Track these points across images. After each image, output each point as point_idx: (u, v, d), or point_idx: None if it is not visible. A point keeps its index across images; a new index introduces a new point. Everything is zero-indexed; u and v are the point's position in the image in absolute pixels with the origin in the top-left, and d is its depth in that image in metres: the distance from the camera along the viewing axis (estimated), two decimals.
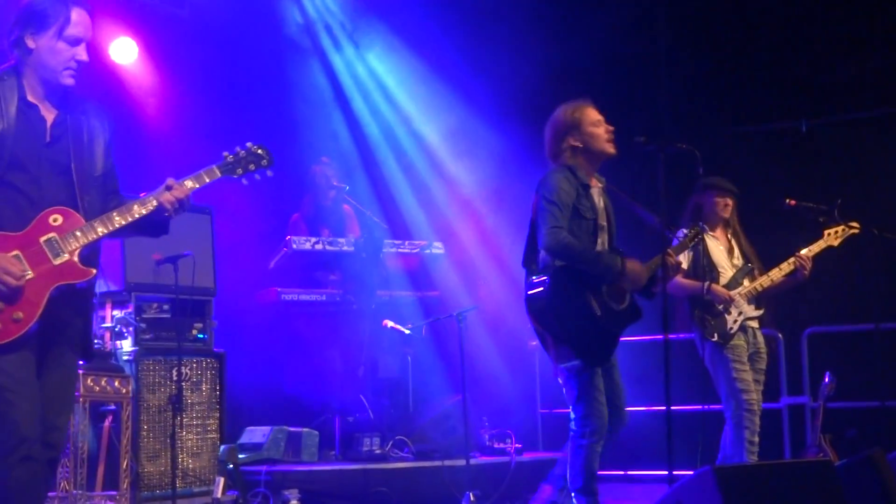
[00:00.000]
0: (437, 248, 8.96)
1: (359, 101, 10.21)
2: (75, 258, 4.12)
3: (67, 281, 4.10)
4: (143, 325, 6.62)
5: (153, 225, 4.40)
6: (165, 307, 6.80)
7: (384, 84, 10.27)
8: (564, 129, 5.94)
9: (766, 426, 7.10)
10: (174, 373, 6.59)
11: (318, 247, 8.45)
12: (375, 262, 8.48)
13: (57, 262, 4.08)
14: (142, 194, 4.32)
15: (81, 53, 4.22)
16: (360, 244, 8.49)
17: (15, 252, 4.03)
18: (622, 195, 6.19)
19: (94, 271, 4.17)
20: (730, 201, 7.16)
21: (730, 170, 7.33)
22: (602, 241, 5.93)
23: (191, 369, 6.78)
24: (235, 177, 4.47)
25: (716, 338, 6.91)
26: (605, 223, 5.97)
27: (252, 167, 4.50)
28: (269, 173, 4.55)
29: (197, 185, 4.37)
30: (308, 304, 8.47)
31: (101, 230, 4.16)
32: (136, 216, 4.23)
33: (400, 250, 8.79)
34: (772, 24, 9.71)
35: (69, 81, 4.23)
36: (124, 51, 8.56)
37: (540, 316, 5.86)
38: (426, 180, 10.02)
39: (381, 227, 8.77)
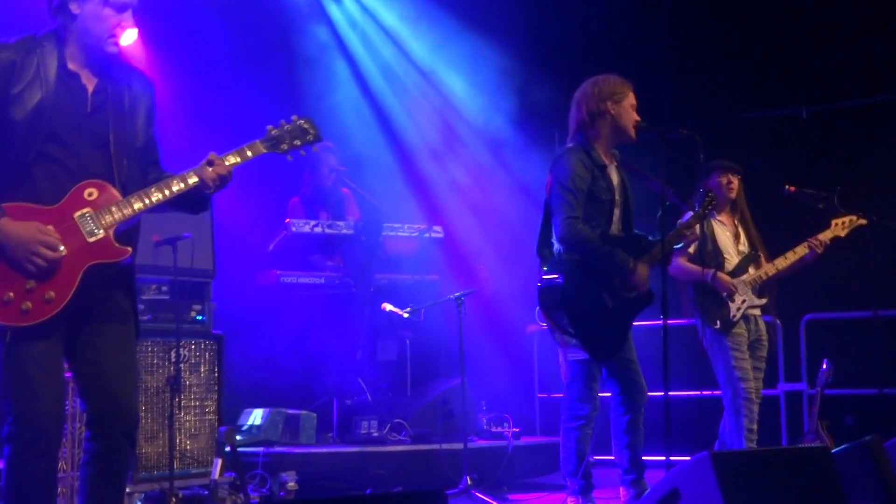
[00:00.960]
0: (437, 232, 8.95)
1: (369, 78, 10.15)
2: (111, 235, 3.95)
3: (101, 260, 3.94)
4: (141, 307, 6.60)
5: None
6: (164, 288, 6.77)
7: (388, 56, 10.22)
8: (609, 92, 5.97)
9: (763, 412, 7.11)
10: (172, 354, 6.58)
11: (318, 230, 8.44)
12: (374, 246, 8.48)
13: (91, 239, 3.92)
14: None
15: (128, 20, 4.07)
16: (360, 227, 8.48)
17: (48, 227, 3.88)
18: (635, 168, 6.21)
19: (130, 250, 4.01)
20: (734, 180, 7.16)
21: (730, 156, 7.33)
22: (617, 219, 5.95)
23: (189, 351, 6.77)
24: (280, 152, 4.26)
25: (718, 325, 6.91)
26: (620, 199, 5.99)
27: (298, 143, 4.28)
28: (314, 149, 4.35)
29: (239, 160, 4.18)
30: (307, 286, 8.46)
31: (137, 206, 3.99)
32: (175, 191, 4.06)
33: (399, 234, 8.77)
34: (773, 10, 9.70)
35: (113, 49, 4.07)
36: (124, 34, 8.51)
37: (551, 309, 5.89)
38: (427, 163, 10.00)
39: (381, 210, 8.76)
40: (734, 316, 6.93)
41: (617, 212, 5.99)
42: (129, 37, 8.29)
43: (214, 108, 8.56)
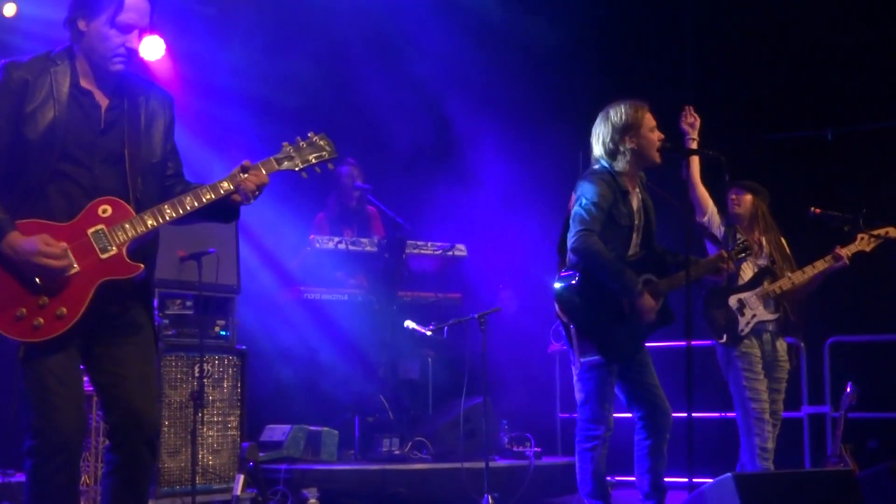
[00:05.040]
0: (460, 251, 8.96)
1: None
2: (123, 252, 3.96)
3: (114, 276, 3.94)
4: (165, 321, 6.64)
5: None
6: (189, 304, 6.81)
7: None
8: (624, 128, 5.91)
9: (786, 435, 7.08)
10: (196, 369, 6.61)
11: (342, 247, 8.47)
12: (398, 263, 8.49)
13: (104, 256, 3.93)
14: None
15: (132, 41, 4.03)
16: (383, 245, 8.49)
17: (62, 244, 3.89)
18: (662, 194, 6.19)
19: (142, 266, 3.99)
20: (741, 197, 7.18)
21: (755, 177, 7.33)
22: (635, 244, 5.93)
23: (212, 366, 6.80)
24: (294, 170, 4.23)
25: (724, 339, 6.91)
26: (640, 223, 5.97)
27: (313, 160, 4.25)
28: (330, 166, 4.32)
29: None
30: (330, 303, 8.48)
31: (150, 222, 3.99)
32: (195, 205, 4.06)
33: (423, 252, 8.79)
34: (798, 32, 9.69)
35: (118, 68, 4.05)
36: (151, 47, 8.54)
37: (567, 306, 5.87)
38: (452, 181, 10.00)
39: (405, 228, 8.77)
40: (742, 330, 6.92)
41: (635, 237, 5.96)
42: (155, 51, 8.47)
43: (238, 129, 8.60)
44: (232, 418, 6.88)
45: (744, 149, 8.95)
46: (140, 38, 4.08)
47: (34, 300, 3.86)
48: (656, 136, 5.92)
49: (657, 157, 5.93)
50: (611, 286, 5.75)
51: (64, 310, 3.86)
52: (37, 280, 3.85)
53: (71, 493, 3.96)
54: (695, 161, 6.87)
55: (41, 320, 3.84)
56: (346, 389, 8.34)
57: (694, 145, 6.65)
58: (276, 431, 7.74)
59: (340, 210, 8.95)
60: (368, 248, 8.53)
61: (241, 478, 6.39)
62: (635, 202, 5.98)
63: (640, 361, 5.93)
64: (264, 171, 4.17)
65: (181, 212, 4.05)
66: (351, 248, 8.50)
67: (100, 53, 4.04)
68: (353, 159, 8.95)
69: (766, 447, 6.82)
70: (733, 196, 7.20)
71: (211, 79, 8.91)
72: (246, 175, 4.13)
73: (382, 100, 9.91)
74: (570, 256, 5.87)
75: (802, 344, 8.36)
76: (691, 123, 6.76)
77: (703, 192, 7.01)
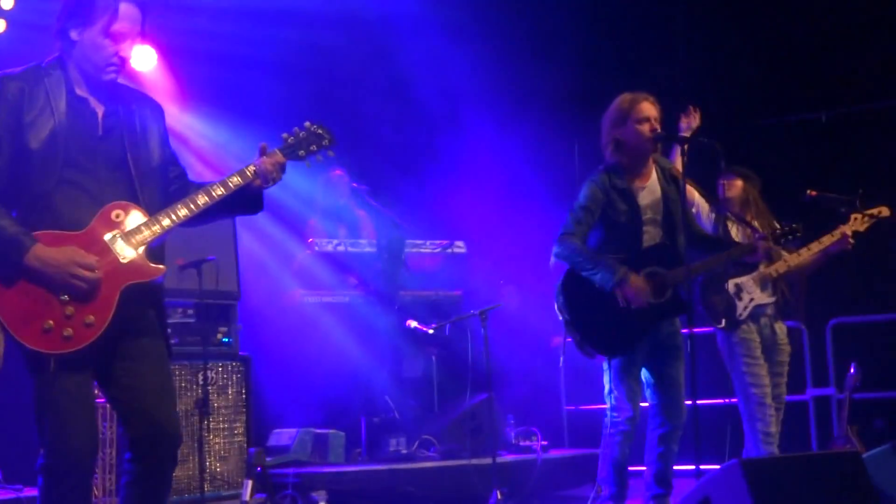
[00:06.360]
0: (459, 248, 8.96)
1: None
2: (144, 255, 3.95)
3: (137, 280, 3.92)
4: (168, 330, 6.62)
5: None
6: (190, 312, 6.81)
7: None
8: (611, 120, 5.92)
9: (792, 418, 7.08)
10: (200, 377, 6.61)
11: (340, 248, 8.46)
12: (397, 263, 8.49)
13: (124, 260, 3.91)
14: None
15: (125, 50, 4.03)
16: (383, 245, 8.49)
17: (93, 256, 3.86)
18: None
19: (165, 268, 4.01)
20: (730, 182, 7.18)
21: (750, 162, 7.34)
22: (651, 237, 5.87)
23: (216, 373, 6.80)
24: (298, 160, 4.26)
25: (723, 323, 6.92)
26: (658, 216, 5.90)
27: (314, 148, 4.29)
28: (330, 153, 4.35)
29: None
30: (331, 305, 8.47)
31: (165, 223, 3.99)
32: (201, 205, 4.06)
33: (421, 250, 8.79)
34: (790, 15, 9.69)
35: (111, 77, 4.05)
36: (143, 58, 8.53)
37: (558, 305, 5.90)
38: (449, 178, 10.00)
39: (401, 227, 8.75)
40: (740, 315, 6.93)
41: (651, 229, 5.89)
42: (147, 62, 8.47)
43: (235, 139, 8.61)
44: (238, 425, 6.89)
45: (738, 134, 8.96)
46: (132, 46, 4.08)
47: (61, 311, 3.81)
48: (647, 127, 5.81)
49: (647, 146, 5.86)
50: (595, 279, 5.74)
51: (92, 318, 3.83)
52: (68, 289, 3.81)
53: None
54: (678, 158, 6.75)
55: (70, 330, 3.81)
56: (351, 391, 8.34)
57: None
58: (283, 436, 7.75)
59: (330, 210, 8.90)
60: (368, 249, 8.52)
61: (250, 483, 6.40)
62: (645, 196, 5.89)
63: (668, 352, 5.89)
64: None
65: (194, 209, 4.06)
66: (350, 249, 8.49)
67: (93, 63, 4.04)
68: (342, 170, 8.85)
69: (768, 431, 6.82)
70: (724, 182, 7.22)
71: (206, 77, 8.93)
72: (260, 160, 4.17)
73: (374, 97, 9.92)
74: (552, 259, 5.89)
75: (804, 326, 8.36)
76: (688, 123, 6.76)
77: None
